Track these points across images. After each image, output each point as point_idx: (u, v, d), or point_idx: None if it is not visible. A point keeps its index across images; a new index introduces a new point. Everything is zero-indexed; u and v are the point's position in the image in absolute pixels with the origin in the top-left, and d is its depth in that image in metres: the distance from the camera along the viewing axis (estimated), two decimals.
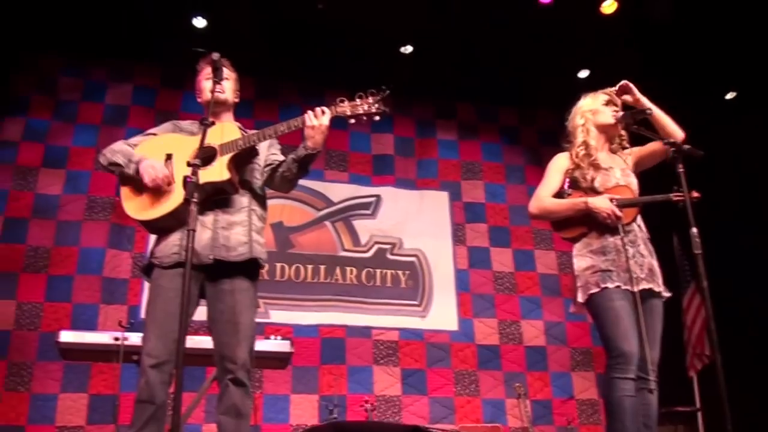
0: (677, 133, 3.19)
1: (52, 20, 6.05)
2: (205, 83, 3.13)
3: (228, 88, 3.14)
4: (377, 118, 2.89)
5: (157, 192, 2.92)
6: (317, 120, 2.86)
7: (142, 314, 5.65)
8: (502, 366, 6.51)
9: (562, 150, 3.43)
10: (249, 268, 2.94)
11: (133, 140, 3.10)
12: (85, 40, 6.32)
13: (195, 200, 2.43)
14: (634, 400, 2.92)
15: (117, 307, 5.87)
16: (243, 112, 3.29)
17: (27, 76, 6.51)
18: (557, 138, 3.55)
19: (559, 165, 3.37)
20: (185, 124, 3.22)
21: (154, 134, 3.15)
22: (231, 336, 2.83)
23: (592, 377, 6.66)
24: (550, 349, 6.70)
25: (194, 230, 2.40)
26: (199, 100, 3.23)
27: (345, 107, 2.88)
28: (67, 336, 4.29)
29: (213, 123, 2.81)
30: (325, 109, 2.87)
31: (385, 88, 2.87)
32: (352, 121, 2.90)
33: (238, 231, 2.93)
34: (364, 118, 2.89)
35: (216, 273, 2.89)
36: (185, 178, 2.48)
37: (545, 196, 3.31)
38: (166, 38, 6.27)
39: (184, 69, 6.50)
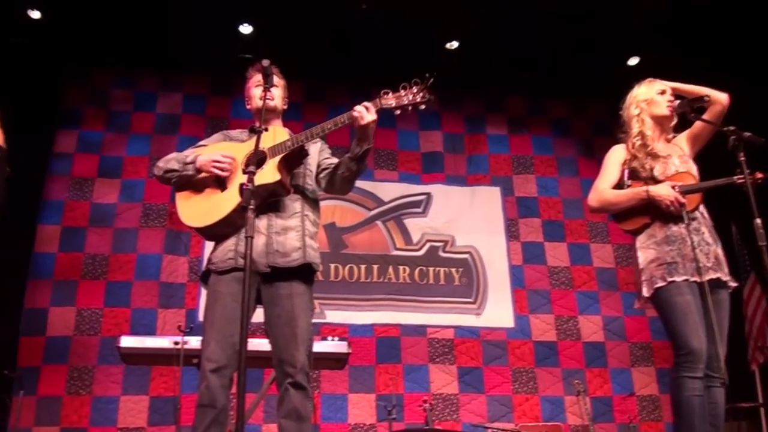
0: (723, 98, 3.19)
1: (101, 34, 6.21)
2: (255, 90, 3.15)
3: (277, 95, 3.15)
4: (423, 106, 2.83)
5: (211, 199, 2.95)
6: (363, 115, 2.85)
7: (200, 317, 5.79)
8: (561, 363, 6.39)
9: (616, 141, 3.37)
10: (304, 272, 2.95)
11: (185, 152, 3.14)
12: (135, 52, 6.47)
13: (252, 207, 2.44)
14: (702, 400, 2.83)
15: (175, 311, 6.01)
16: (292, 115, 3.31)
17: (79, 90, 6.71)
18: (609, 129, 3.48)
19: (616, 156, 3.31)
20: (234, 133, 3.26)
21: (204, 145, 3.19)
22: (289, 340, 2.84)
23: (653, 373, 6.49)
24: (609, 345, 6.54)
25: (252, 237, 2.41)
26: (248, 107, 3.25)
27: (390, 99, 2.83)
28: (127, 341, 4.37)
29: (266, 129, 2.83)
30: (368, 104, 2.85)
31: (429, 75, 2.80)
32: (398, 112, 2.84)
33: (292, 236, 2.94)
34: (410, 108, 2.83)
35: (272, 277, 2.89)
36: (241, 185, 2.49)
37: (605, 188, 3.25)
38: (213, 46, 6.35)
39: (232, 76, 6.58)
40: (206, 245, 6.03)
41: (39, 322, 5.87)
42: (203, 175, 2.98)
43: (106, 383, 5.72)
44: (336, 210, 6.53)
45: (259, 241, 2.84)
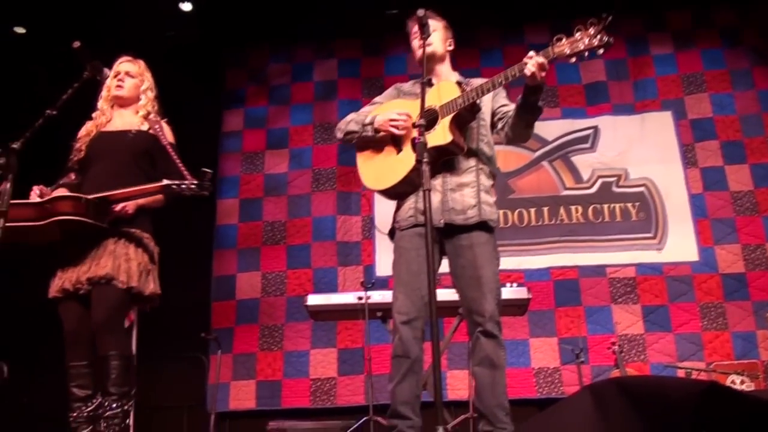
0: None
1: (251, 15, 6.46)
2: (414, 43, 3.14)
3: (436, 39, 3.09)
4: (601, 51, 2.58)
5: (389, 161, 3.00)
6: (536, 72, 2.67)
7: (377, 273, 6.00)
8: (751, 295, 5.86)
9: None
10: (482, 226, 2.93)
11: (363, 111, 3.20)
12: (286, 26, 6.68)
13: (426, 160, 2.44)
14: None
15: (353, 268, 6.24)
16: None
17: (240, 71, 7.07)
18: None
19: None
20: (406, 86, 3.25)
21: (380, 102, 3.22)
22: (475, 290, 2.86)
23: None
24: None
25: (429, 190, 2.42)
26: (416, 60, 3.24)
27: (563, 46, 2.63)
28: (314, 299, 4.67)
29: (429, 81, 2.80)
30: (540, 58, 2.65)
31: (607, 15, 2.56)
32: (573, 60, 2.65)
33: (466, 192, 2.93)
34: (586, 54, 2.61)
35: (452, 230, 2.91)
36: (413, 140, 2.51)
37: None
38: (359, 7, 6.37)
39: (382, 35, 6.74)
40: (376, 204, 6.24)
41: (228, 287, 6.37)
42: (382, 134, 3.02)
43: (296, 339, 6.10)
44: (499, 155, 6.16)
45: (435, 198, 2.84)
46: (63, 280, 3.03)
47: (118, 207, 3.02)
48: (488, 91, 2.83)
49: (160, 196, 3.12)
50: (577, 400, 1.73)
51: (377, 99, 3.27)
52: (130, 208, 3.07)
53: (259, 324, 6.21)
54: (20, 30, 6.35)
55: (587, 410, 1.60)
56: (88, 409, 2.98)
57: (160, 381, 5.89)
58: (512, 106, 2.99)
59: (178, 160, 3.04)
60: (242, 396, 5.99)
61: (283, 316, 6.20)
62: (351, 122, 3.13)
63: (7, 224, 2.81)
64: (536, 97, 2.80)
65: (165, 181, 2.84)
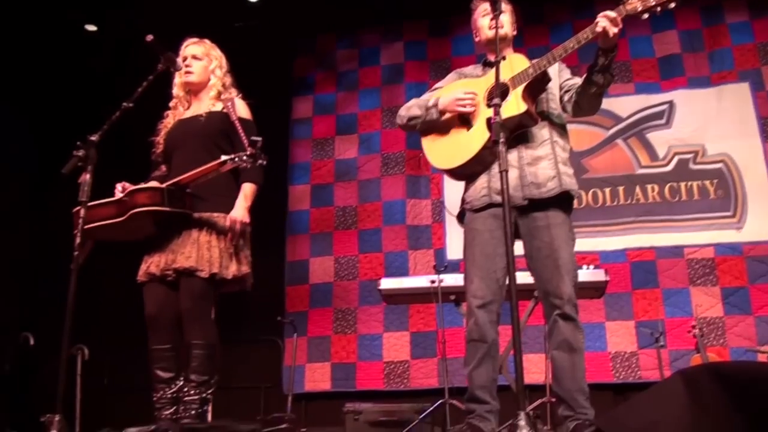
0: None
1: (320, 1, 6.49)
2: (482, 21, 3.09)
3: (506, 22, 3.06)
4: (672, 5, 2.56)
5: (458, 139, 2.98)
6: (609, 29, 2.63)
7: (448, 256, 5.99)
8: None
9: None
10: (561, 201, 2.89)
11: (423, 97, 3.17)
12: (352, 10, 6.69)
13: (502, 141, 2.40)
14: None
15: (423, 251, 6.25)
16: (513, 41, 3.19)
17: (308, 58, 7.16)
18: None
19: None
20: (468, 70, 3.23)
21: (441, 87, 3.19)
22: (552, 272, 2.82)
23: None
24: None
25: (506, 171, 2.38)
26: (476, 39, 3.20)
27: (635, 3, 2.60)
28: (387, 283, 4.72)
29: (504, 57, 2.75)
30: (612, 14, 2.62)
31: None
32: (645, 16, 2.61)
33: (544, 165, 2.88)
34: (658, 9, 2.58)
35: (528, 209, 2.87)
36: (488, 120, 2.47)
37: None
38: None
39: (448, 16, 6.67)
40: (445, 187, 6.23)
41: (301, 272, 6.50)
42: (447, 116, 3.00)
43: (369, 322, 6.19)
44: (571, 134, 5.98)
45: (513, 175, 2.79)
46: (149, 264, 3.13)
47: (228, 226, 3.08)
48: (560, 57, 2.78)
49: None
50: (669, 386, 1.69)
51: (438, 84, 3.24)
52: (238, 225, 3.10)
53: (332, 307, 6.33)
54: (91, 28, 6.58)
55: (679, 396, 1.56)
56: (171, 390, 3.07)
57: (238, 363, 6.06)
58: (578, 80, 2.93)
59: (242, 134, 3.07)
60: (317, 378, 6.13)
61: (356, 300, 6.30)
62: (413, 107, 3.11)
63: (92, 224, 2.96)
64: (607, 60, 2.73)
65: (223, 157, 2.88)
